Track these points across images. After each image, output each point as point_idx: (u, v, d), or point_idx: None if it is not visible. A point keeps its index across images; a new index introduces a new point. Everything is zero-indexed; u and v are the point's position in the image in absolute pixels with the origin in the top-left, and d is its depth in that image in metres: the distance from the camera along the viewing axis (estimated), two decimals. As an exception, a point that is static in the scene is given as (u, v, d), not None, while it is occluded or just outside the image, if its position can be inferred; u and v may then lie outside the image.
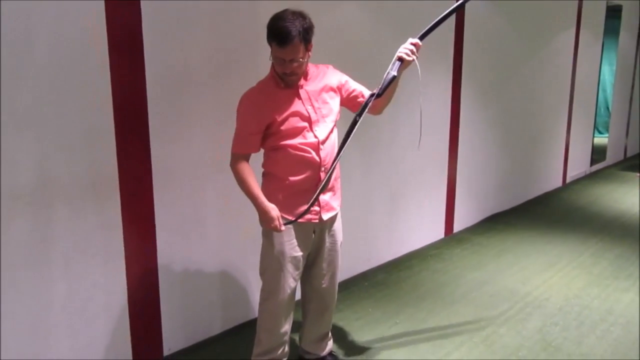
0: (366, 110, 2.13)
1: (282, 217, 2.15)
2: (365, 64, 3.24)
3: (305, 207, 2.15)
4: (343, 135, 2.12)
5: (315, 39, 2.06)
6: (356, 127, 2.09)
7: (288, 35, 1.94)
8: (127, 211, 2.36)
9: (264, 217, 2.11)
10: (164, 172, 2.49)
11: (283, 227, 2.11)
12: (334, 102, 2.23)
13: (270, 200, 2.14)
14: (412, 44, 2.09)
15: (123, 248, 2.37)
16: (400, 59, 2.07)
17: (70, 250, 2.21)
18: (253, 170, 2.15)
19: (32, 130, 2.04)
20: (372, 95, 2.13)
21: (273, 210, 2.10)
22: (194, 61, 2.53)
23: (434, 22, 2.09)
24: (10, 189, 2.01)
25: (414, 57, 2.08)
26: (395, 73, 2.06)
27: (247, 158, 2.16)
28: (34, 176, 2.07)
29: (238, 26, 2.68)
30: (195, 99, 2.56)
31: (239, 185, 2.14)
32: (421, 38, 2.11)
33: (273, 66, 2.14)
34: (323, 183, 2.12)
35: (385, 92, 2.13)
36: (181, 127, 2.53)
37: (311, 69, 2.18)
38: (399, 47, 2.10)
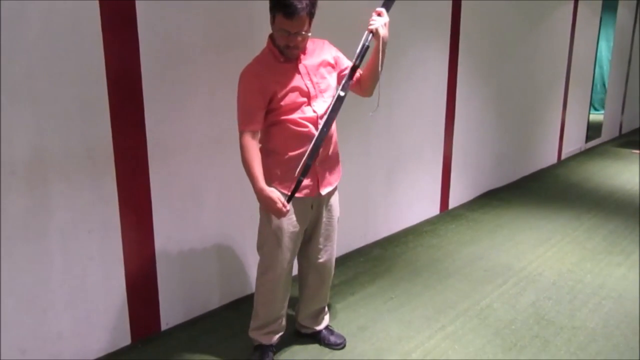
0: (350, 82, 2.14)
1: (281, 193, 2.15)
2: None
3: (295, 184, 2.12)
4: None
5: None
6: (342, 102, 2.10)
7: (296, 8, 1.92)
8: (122, 186, 2.35)
9: (265, 204, 2.09)
10: (160, 147, 2.47)
11: (288, 207, 2.08)
12: (332, 77, 2.22)
13: (268, 176, 2.13)
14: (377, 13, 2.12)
15: (119, 223, 2.37)
16: (372, 32, 2.10)
17: (67, 225, 2.20)
18: (259, 150, 2.11)
19: (26, 104, 2.02)
20: (352, 67, 2.14)
21: (272, 192, 2.07)
22: (189, 34, 2.49)
23: None
24: (5, 164, 1.99)
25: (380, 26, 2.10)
26: (367, 43, 2.10)
27: (253, 135, 2.08)
28: (29, 150, 2.05)
29: (233, -1, 2.63)
30: (190, 72, 2.53)
31: (242, 164, 2.10)
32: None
33: (270, 40, 2.11)
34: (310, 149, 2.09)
35: (373, 70, 2.16)
36: (176, 101, 2.50)
37: (308, 43, 2.16)
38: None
